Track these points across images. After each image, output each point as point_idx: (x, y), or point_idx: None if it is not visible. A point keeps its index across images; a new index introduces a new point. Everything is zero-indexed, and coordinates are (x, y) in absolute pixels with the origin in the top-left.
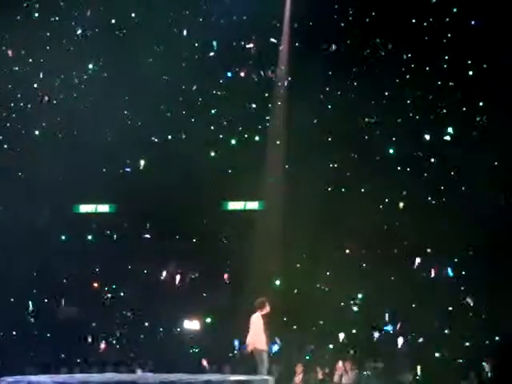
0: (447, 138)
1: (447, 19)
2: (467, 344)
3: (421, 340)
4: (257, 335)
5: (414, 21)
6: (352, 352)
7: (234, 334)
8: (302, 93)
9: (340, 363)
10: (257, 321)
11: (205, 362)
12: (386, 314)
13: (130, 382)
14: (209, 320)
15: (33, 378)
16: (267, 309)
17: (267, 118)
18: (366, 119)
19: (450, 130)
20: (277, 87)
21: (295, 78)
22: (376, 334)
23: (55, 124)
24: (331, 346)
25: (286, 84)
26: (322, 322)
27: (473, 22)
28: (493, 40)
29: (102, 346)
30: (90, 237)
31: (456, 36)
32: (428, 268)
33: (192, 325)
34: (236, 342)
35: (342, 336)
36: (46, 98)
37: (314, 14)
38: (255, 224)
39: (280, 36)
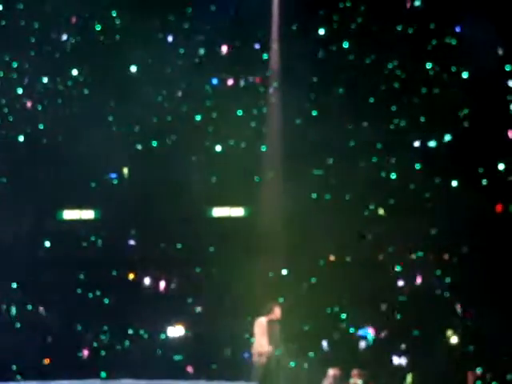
0: (432, 144)
1: (432, 26)
2: (454, 353)
3: (403, 347)
4: (258, 341)
5: (399, 28)
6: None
7: (218, 340)
8: (287, 100)
9: (331, 371)
10: (258, 326)
11: (189, 369)
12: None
13: None
14: (194, 326)
15: None
16: (276, 314)
17: (252, 124)
18: (351, 126)
19: (436, 136)
20: (262, 94)
21: (281, 84)
22: (362, 344)
23: (39, 130)
24: (315, 354)
25: (271, 91)
26: (306, 329)
27: (458, 29)
28: (478, 47)
29: (86, 352)
30: (74, 243)
31: (441, 43)
32: (413, 275)
33: (176, 331)
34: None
35: (325, 344)
36: (30, 104)
37: (300, 21)
38: (240, 231)
39: (266, 43)
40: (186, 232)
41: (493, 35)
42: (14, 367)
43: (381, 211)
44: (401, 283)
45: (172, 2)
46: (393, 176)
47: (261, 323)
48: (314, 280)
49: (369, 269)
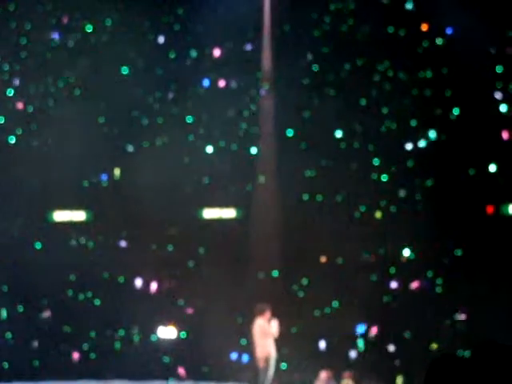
0: (423, 145)
1: (424, 28)
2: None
3: (393, 350)
4: (256, 343)
5: (390, 30)
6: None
7: (209, 341)
8: (278, 101)
9: (323, 374)
10: (256, 328)
11: (181, 370)
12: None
13: None
14: (185, 328)
15: None
16: (267, 315)
17: (244, 125)
18: (343, 128)
19: (427, 137)
20: (254, 96)
21: (272, 86)
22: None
23: (30, 131)
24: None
25: (263, 93)
26: (295, 331)
27: (449, 32)
28: (468, 48)
29: (76, 354)
30: (65, 245)
31: (432, 45)
32: (405, 277)
33: (168, 333)
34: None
35: (318, 344)
36: (21, 106)
37: (292, 22)
38: (231, 232)
39: (258, 44)
40: (177, 234)
41: (484, 36)
42: (6, 368)
43: (378, 214)
44: (393, 285)
45: (163, 3)
46: (384, 178)
47: (259, 326)
48: (305, 281)
49: (360, 271)
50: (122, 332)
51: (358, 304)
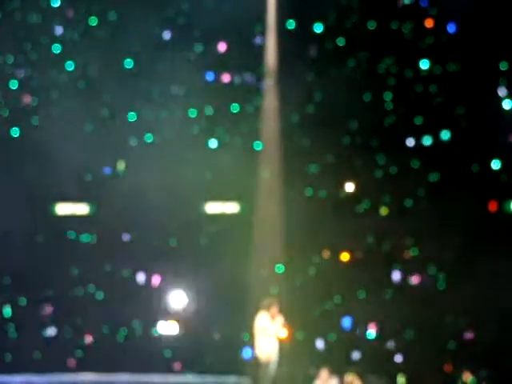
0: (428, 142)
1: (428, 24)
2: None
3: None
4: (257, 341)
5: (394, 27)
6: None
7: (212, 336)
8: (283, 97)
9: (323, 371)
10: (257, 327)
11: (180, 365)
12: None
13: (106, 382)
14: (187, 322)
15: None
16: (273, 312)
17: (248, 120)
18: (347, 123)
19: (430, 134)
20: (258, 91)
21: (277, 81)
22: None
23: (34, 125)
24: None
25: (267, 88)
26: (297, 326)
27: (454, 28)
28: (470, 46)
29: (78, 348)
30: (68, 238)
31: (435, 41)
32: (408, 274)
33: (169, 328)
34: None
35: (319, 343)
36: (25, 99)
37: (296, 17)
38: (234, 227)
39: (263, 39)
40: (181, 228)
41: (488, 32)
42: (8, 360)
43: (381, 210)
44: (396, 281)
45: None
46: (388, 174)
47: (261, 322)
48: (307, 277)
49: (363, 266)
50: (123, 326)
51: (361, 300)
